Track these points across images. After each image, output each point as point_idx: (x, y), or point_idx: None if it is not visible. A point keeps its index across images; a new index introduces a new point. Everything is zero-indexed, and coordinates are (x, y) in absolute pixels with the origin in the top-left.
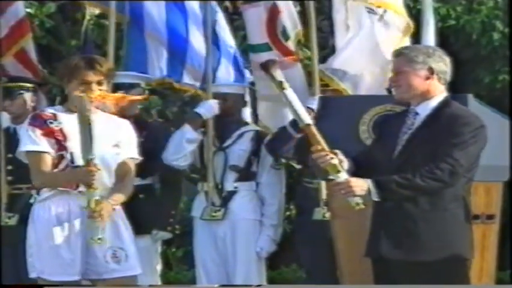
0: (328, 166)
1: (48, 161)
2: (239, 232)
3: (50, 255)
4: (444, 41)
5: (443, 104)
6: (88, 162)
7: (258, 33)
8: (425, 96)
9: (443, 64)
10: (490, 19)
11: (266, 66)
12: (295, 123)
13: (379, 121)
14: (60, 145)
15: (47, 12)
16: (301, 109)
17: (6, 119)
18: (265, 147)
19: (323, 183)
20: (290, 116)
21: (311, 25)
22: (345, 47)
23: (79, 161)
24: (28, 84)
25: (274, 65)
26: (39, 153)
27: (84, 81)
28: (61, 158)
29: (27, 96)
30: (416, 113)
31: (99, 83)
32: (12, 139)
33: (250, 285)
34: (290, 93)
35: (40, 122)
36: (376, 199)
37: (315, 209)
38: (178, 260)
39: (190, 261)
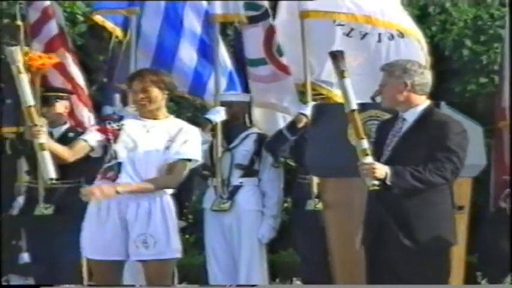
0: (360, 150)
1: (80, 146)
2: (244, 221)
3: (92, 237)
4: None
5: (428, 112)
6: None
7: (255, 50)
8: (409, 104)
9: (420, 77)
10: (461, 37)
11: (334, 55)
12: (290, 128)
13: (377, 127)
14: (108, 142)
15: (78, 31)
16: (352, 97)
17: (43, 123)
18: (264, 147)
19: (315, 179)
20: (281, 121)
21: (303, 42)
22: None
23: (122, 158)
24: (63, 94)
25: (341, 55)
26: (80, 139)
27: (132, 89)
28: (106, 151)
29: (62, 103)
30: (404, 119)
31: (144, 91)
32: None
33: (254, 286)
34: (347, 82)
35: (101, 121)
36: (389, 183)
37: (308, 201)
38: (191, 246)
39: (201, 246)
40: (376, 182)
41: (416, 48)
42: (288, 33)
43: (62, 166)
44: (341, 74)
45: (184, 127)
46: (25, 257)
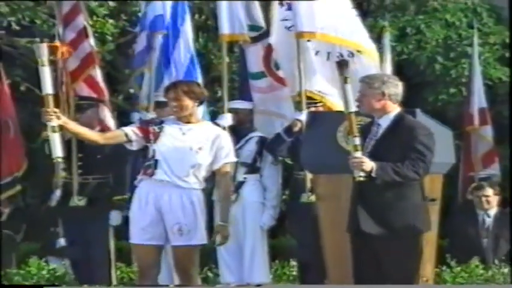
0: (352, 145)
1: (116, 133)
2: (248, 211)
3: (134, 225)
4: (399, 70)
5: (399, 118)
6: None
7: (256, 64)
8: (384, 111)
9: (394, 88)
10: (433, 54)
11: (340, 64)
12: (287, 131)
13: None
14: (148, 141)
15: (108, 49)
16: (352, 100)
17: None
18: (265, 148)
19: (308, 175)
20: (279, 126)
21: (299, 56)
22: (315, 72)
23: (159, 157)
24: (93, 102)
25: (346, 64)
26: (118, 129)
27: (167, 98)
28: (147, 149)
29: (93, 111)
30: (379, 124)
31: (176, 99)
32: (81, 142)
33: (259, 285)
34: (349, 87)
35: (143, 122)
36: (375, 175)
37: (303, 194)
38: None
39: (211, 233)
40: (363, 174)
41: (371, 66)
42: (286, 51)
43: (93, 164)
44: (344, 80)
45: (220, 133)
46: (62, 242)
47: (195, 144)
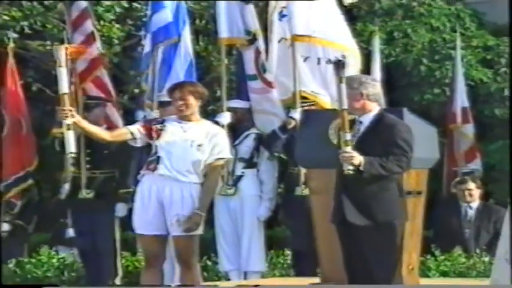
0: (343, 140)
1: (122, 131)
2: (245, 203)
3: (138, 216)
4: (387, 72)
5: (380, 116)
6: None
7: (250, 67)
8: (363, 111)
9: (372, 88)
10: (419, 57)
11: (336, 64)
12: (282, 128)
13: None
14: (151, 138)
15: (114, 51)
16: (345, 99)
17: None
18: (261, 144)
19: (302, 169)
20: (275, 124)
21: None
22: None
23: (161, 153)
24: (100, 102)
25: (342, 66)
26: (124, 127)
27: (172, 98)
28: (150, 146)
29: (100, 110)
30: (361, 122)
31: (182, 98)
32: (89, 139)
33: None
34: (343, 86)
35: (147, 121)
36: (363, 169)
37: (297, 187)
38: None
39: (211, 223)
40: (352, 168)
41: (354, 67)
42: (283, 53)
43: (101, 160)
44: (340, 80)
45: (218, 131)
46: (70, 232)
47: (195, 141)
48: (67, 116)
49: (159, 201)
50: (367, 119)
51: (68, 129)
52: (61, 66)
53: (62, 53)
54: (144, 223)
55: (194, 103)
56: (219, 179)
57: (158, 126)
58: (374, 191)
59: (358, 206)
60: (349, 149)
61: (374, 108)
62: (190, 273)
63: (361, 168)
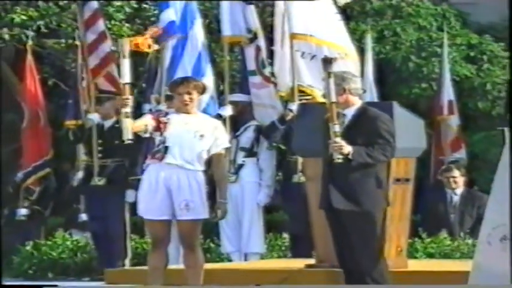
0: (333, 132)
1: (141, 126)
2: (246, 190)
3: (146, 203)
4: (378, 68)
5: (362, 109)
6: (123, 85)
7: (251, 63)
8: (347, 104)
9: (354, 84)
10: (407, 54)
11: (325, 60)
12: (280, 120)
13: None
14: (158, 130)
15: None
16: (333, 92)
17: (97, 117)
18: (261, 135)
19: (299, 158)
20: (274, 116)
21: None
22: (304, 70)
23: (169, 143)
24: (111, 95)
25: (330, 61)
26: (140, 121)
27: (177, 92)
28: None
29: (111, 102)
30: (344, 115)
31: (188, 93)
32: (101, 130)
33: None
34: (332, 80)
35: (154, 113)
36: (351, 158)
37: (294, 175)
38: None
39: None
40: (341, 157)
41: (353, 67)
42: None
43: (112, 149)
44: (328, 75)
45: (217, 124)
46: (83, 216)
47: (198, 132)
48: (126, 105)
49: (167, 188)
50: (350, 112)
51: (126, 116)
52: (125, 57)
53: (126, 45)
54: (151, 209)
55: (196, 97)
56: (226, 165)
57: (164, 118)
58: (357, 178)
59: (343, 193)
60: (338, 139)
61: (356, 102)
62: (193, 255)
63: (349, 157)
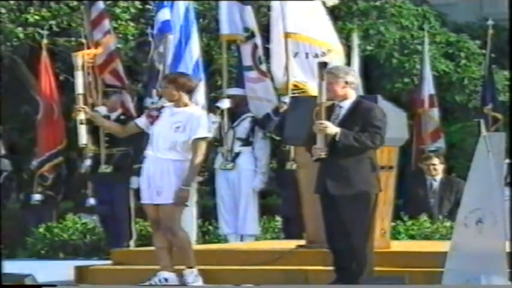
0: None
1: (130, 126)
2: (242, 177)
3: (140, 188)
4: (364, 64)
5: (358, 102)
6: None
7: (247, 59)
8: (345, 97)
9: (353, 78)
10: (391, 51)
11: (320, 64)
12: (274, 112)
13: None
14: (152, 123)
15: (129, 46)
16: (324, 93)
17: (103, 110)
18: (257, 125)
19: (292, 148)
20: (268, 108)
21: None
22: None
23: (152, 135)
24: (117, 90)
25: (323, 66)
26: (132, 121)
27: (163, 86)
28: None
29: (117, 96)
30: (341, 107)
31: (164, 87)
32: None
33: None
34: (324, 83)
35: (150, 110)
36: (338, 139)
37: (287, 162)
38: (206, 193)
39: (213, 194)
40: (323, 153)
41: (337, 61)
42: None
43: (117, 139)
44: (321, 77)
45: (196, 115)
46: (91, 201)
47: (175, 124)
48: (80, 112)
49: (146, 176)
50: (346, 104)
51: (81, 123)
52: (78, 69)
53: (79, 58)
54: (142, 195)
55: (174, 92)
56: (203, 157)
57: (156, 113)
58: (353, 164)
59: (338, 178)
60: (323, 120)
61: (352, 95)
62: (175, 239)
63: (336, 138)
